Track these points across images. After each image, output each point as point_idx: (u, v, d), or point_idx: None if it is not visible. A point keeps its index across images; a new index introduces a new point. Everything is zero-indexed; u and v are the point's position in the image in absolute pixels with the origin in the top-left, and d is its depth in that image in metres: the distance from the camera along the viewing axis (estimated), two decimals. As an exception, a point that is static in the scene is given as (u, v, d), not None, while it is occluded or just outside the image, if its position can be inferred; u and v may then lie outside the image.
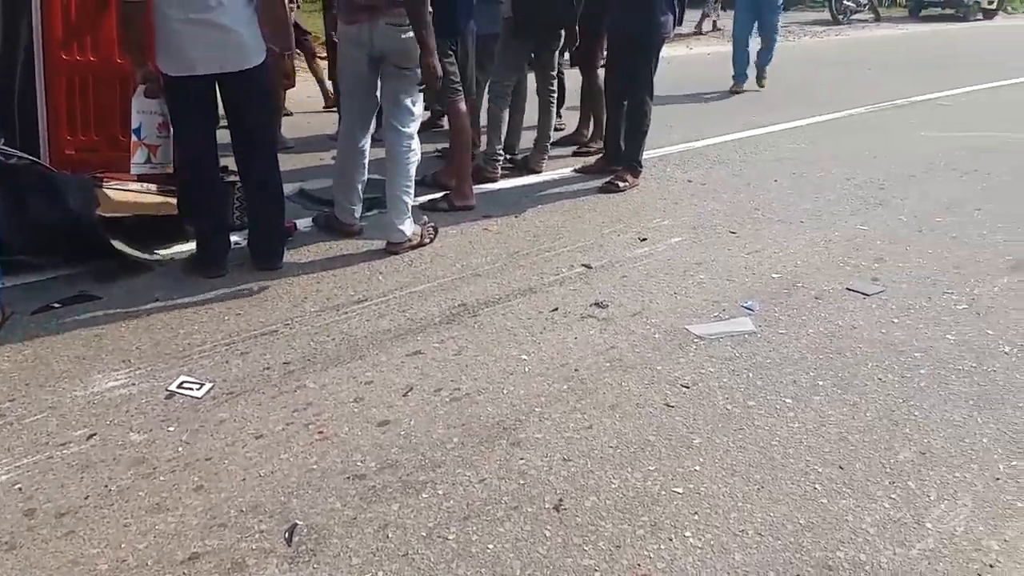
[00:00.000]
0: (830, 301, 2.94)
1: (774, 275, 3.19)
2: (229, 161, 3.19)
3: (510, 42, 4.33)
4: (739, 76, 7.07)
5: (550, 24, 4.31)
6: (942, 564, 1.62)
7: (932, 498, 1.84)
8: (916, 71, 8.81)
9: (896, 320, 2.77)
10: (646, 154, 4.56)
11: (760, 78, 7.19)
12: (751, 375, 2.42)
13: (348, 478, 1.88)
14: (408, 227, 3.35)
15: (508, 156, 4.65)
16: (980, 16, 16.38)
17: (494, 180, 4.40)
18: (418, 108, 3.35)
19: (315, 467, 1.93)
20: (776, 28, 7.12)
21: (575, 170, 4.72)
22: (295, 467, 1.93)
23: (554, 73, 4.57)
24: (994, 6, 16.70)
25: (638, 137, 4.29)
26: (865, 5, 15.66)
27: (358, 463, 1.94)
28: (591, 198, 4.23)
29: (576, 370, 2.44)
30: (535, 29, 4.28)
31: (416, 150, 3.32)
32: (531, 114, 4.70)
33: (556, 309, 2.88)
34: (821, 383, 2.38)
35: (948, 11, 16.32)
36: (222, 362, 2.42)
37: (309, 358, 2.46)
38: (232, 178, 3.34)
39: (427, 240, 3.45)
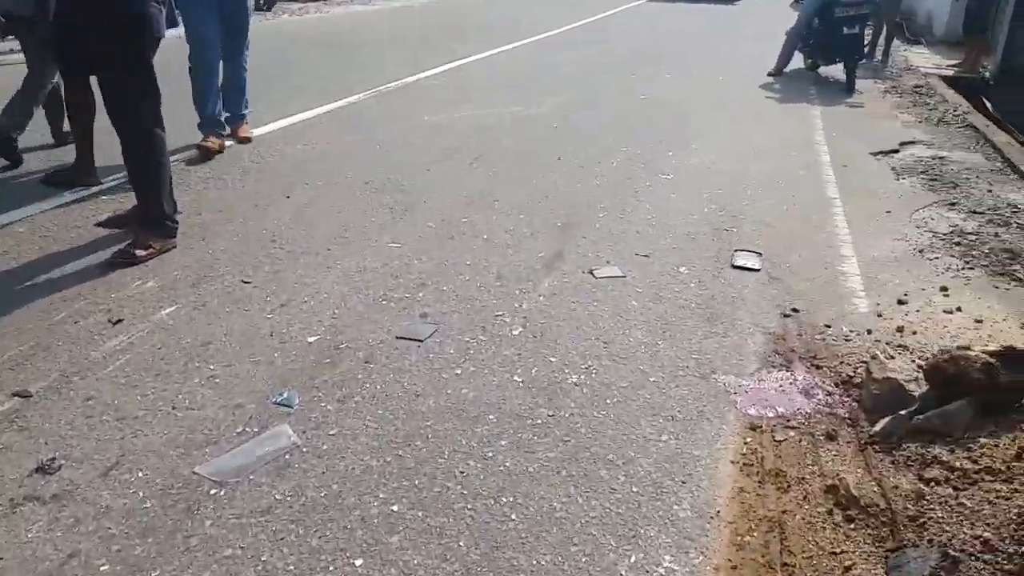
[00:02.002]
0: (383, 362, 2.34)
1: (310, 339, 2.45)
2: None
3: None
4: (206, 125, 4.25)
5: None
6: None
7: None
8: (397, 49, 8.97)
9: (459, 371, 2.30)
10: (108, 180, 3.37)
11: (235, 132, 4.48)
12: (303, 533, 1.66)
13: None
14: None
15: None
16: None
17: None
18: None
19: None
20: (244, 46, 4.30)
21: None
22: None
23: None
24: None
25: (153, 179, 3.02)
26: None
27: None
28: (29, 267, 2.89)
29: (-5, 649, 1.34)
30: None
31: None
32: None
33: (-42, 507, 1.67)
34: (397, 508, 1.74)
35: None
36: None
37: None
38: None
39: None
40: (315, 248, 3.16)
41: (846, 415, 2.10)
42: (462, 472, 1.87)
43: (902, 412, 1.89)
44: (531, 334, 2.54)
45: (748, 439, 2.02)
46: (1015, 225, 3.60)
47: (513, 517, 1.72)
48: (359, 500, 1.76)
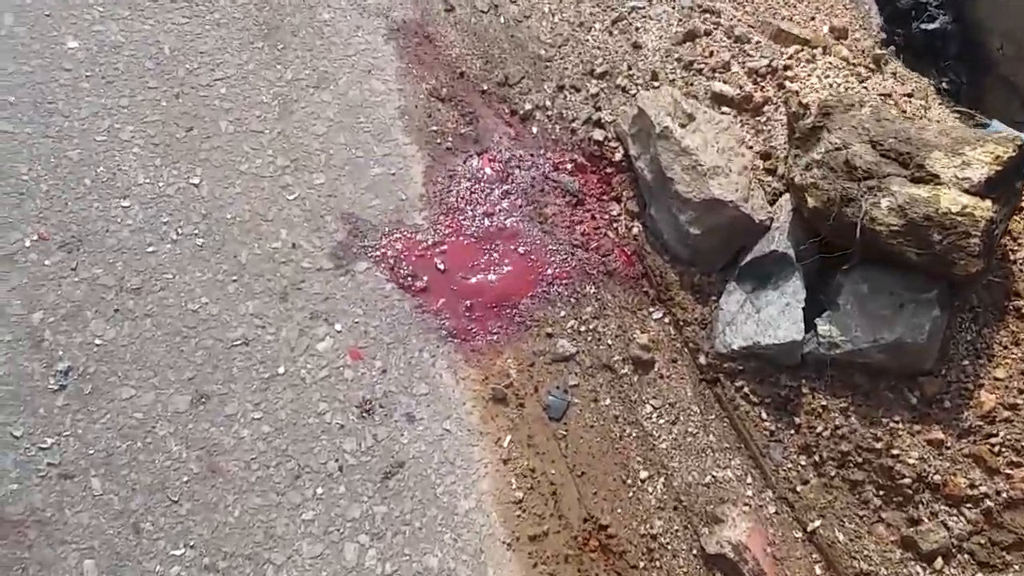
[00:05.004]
0: None
1: None
2: None
3: None
4: None
5: None
6: None
7: None
8: None
9: None
10: None
11: None
12: None
13: None
14: None
15: None
16: None
17: None
18: None
19: None
20: None
21: None
22: None
23: None
24: None
25: None
26: None
27: None
28: None
29: None
30: None
31: None
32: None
33: None
34: None
35: None
36: None
37: None
38: None
39: None
40: None
41: (631, 270, 1.01)
42: None
43: (792, 324, 0.89)
44: None
45: (512, 456, 0.93)
46: None
47: None
48: None
